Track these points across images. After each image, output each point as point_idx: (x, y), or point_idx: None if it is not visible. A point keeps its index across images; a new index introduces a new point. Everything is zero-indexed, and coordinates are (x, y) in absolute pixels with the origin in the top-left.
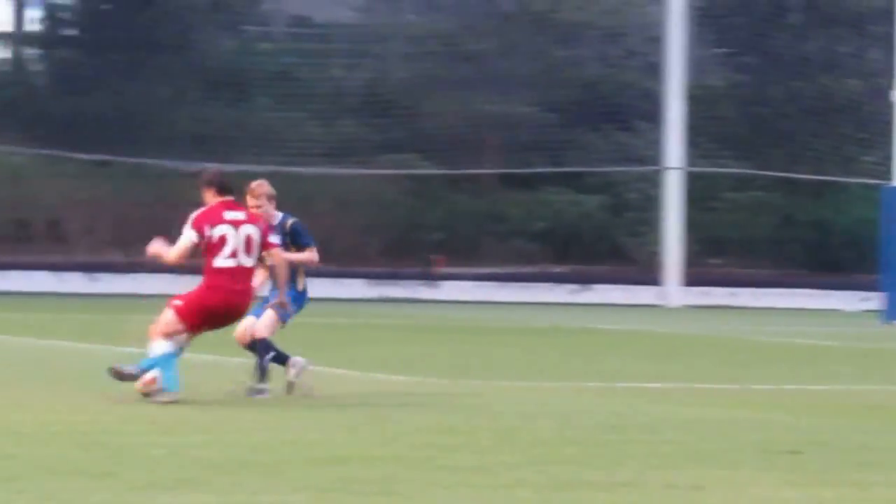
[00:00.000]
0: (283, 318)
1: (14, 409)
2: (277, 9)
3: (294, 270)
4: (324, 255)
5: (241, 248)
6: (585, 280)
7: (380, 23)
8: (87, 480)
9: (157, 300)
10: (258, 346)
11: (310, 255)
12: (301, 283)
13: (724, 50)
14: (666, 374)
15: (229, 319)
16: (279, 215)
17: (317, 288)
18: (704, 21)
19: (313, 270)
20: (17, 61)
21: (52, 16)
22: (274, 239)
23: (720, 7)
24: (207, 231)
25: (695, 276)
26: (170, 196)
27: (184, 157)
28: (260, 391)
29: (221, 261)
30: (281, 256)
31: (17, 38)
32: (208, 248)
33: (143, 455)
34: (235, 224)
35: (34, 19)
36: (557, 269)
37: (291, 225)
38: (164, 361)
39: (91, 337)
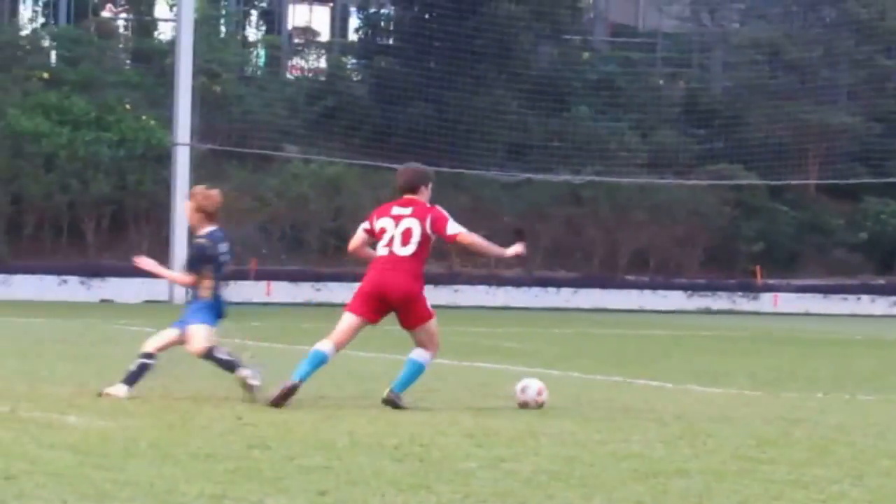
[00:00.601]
0: (210, 322)
1: (327, 420)
2: (600, 17)
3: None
4: (640, 265)
5: (398, 239)
6: None
7: (703, 31)
8: (400, 493)
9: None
10: (210, 356)
11: (182, 277)
12: (206, 291)
13: None
14: None
15: (384, 301)
16: (206, 231)
17: (634, 299)
18: None
19: (618, 281)
20: (335, 71)
21: (370, 25)
22: (452, 228)
23: None
24: (374, 222)
25: None
26: (488, 206)
27: (502, 167)
28: (252, 384)
29: (379, 249)
30: (468, 239)
31: (335, 47)
32: (374, 238)
33: (456, 467)
34: (397, 218)
35: (352, 29)
36: (879, 280)
37: (194, 244)
38: (313, 360)
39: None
